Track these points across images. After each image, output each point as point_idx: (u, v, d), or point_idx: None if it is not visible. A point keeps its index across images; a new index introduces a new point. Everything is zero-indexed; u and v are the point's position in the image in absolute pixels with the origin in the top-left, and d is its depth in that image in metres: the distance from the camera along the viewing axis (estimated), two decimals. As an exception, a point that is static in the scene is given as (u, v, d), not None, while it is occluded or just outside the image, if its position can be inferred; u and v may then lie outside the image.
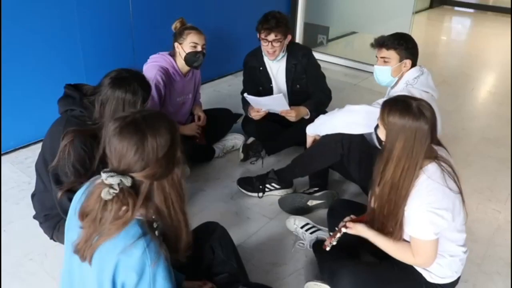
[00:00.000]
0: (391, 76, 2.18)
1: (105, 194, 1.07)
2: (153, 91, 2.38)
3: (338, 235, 1.66)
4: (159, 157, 1.11)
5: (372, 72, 4.54)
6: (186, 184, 2.62)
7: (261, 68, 2.85)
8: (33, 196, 2.03)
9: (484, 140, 3.21)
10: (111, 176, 1.07)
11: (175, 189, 1.17)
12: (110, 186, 1.07)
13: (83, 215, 1.13)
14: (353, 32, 5.30)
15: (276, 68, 2.83)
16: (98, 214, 1.09)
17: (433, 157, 1.52)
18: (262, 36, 2.65)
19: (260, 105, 2.70)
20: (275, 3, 4.29)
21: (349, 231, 1.65)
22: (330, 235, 1.65)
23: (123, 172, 1.10)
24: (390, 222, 1.56)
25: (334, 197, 2.40)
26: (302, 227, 2.16)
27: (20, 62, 2.65)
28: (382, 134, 1.56)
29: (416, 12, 4.44)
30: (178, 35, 2.47)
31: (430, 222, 1.46)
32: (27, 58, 2.67)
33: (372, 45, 2.23)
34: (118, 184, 1.07)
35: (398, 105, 1.49)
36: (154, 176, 1.12)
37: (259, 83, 2.90)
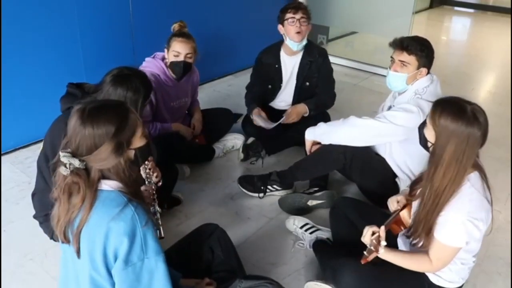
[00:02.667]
0: (405, 83, 2.08)
1: (62, 170, 1.17)
2: None
3: (381, 250, 1.52)
4: (98, 145, 1.17)
5: (372, 72, 4.59)
6: (186, 184, 2.64)
7: (276, 66, 2.84)
8: (33, 195, 2.03)
9: (484, 140, 3.21)
10: (64, 156, 1.17)
11: (120, 175, 1.23)
12: (64, 164, 1.16)
13: (58, 188, 1.21)
14: (353, 32, 5.30)
15: (292, 65, 2.82)
16: (62, 189, 1.19)
17: (476, 165, 1.48)
18: (290, 15, 2.66)
19: (265, 125, 2.76)
20: (275, 3, 4.29)
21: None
22: (371, 249, 1.52)
23: (73, 154, 1.18)
24: (424, 229, 1.51)
25: (334, 197, 2.40)
26: (301, 227, 2.15)
27: (20, 62, 2.65)
28: (430, 135, 1.50)
29: (416, 12, 4.44)
30: (168, 41, 2.44)
31: (465, 231, 1.42)
32: (27, 58, 2.67)
33: (391, 45, 2.10)
34: (69, 165, 1.16)
35: (452, 108, 1.43)
36: (97, 162, 1.19)
37: (270, 81, 2.90)
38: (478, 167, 1.49)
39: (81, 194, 1.18)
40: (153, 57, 2.52)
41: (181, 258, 1.64)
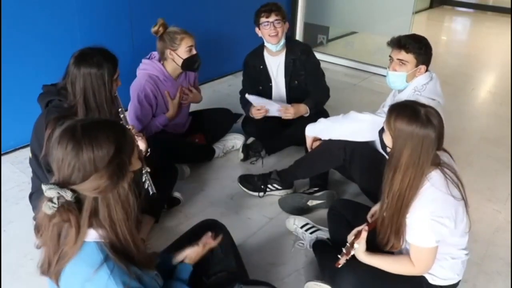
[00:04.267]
0: (406, 81, 2.09)
1: (46, 208, 0.99)
2: (144, 101, 2.42)
3: (352, 252, 1.59)
4: (98, 169, 1.02)
5: (372, 72, 4.59)
6: (186, 184, 2.64)
7: (261, 67, 2.85)
8: (30, 195, 2.03)
9: (484, 140, 3.21)
10: (50, 189, 0.99)
11: (120, 205, 1.08)
12: (50, 199, 0.99)
13: (37, 230, 1.06)
14: (353, 32, 5.30)
15: (276, 65, 2.83)
16: (48, 232, 1.03)
17: (437, 163, 1.50)
18: (263, 19, 2.65)
19: (261, 103, 2.72)
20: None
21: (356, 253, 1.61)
22: (343, 252, 1.59)
23: (62, 185, 1.01)
24: (392, 231, 1.54)
25: (334, 197, 2.40)
26: (301, 227, 2.15)
27: (20, 62, 2.65)
28: (387, 139, 1.53)
29: (416, 12, 4.44)
30: (169, 42, 2.41)
31: (432, 230, 1.45)
32: (27, 58, 2.67)
33: (389, 44, 2.11)
34: (58, 198, 0.99)
35: (406, 111, 1.45)
36: (95, 189, 1.02)
37: (259, 82, 2.90)
38: (439, 165, 1.50)
39: (74, 231, 1.01)
40: (149, 58, 2.51)
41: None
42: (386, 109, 2.07)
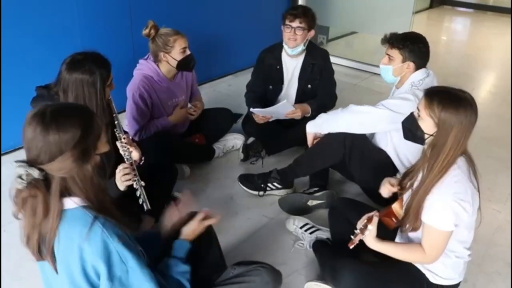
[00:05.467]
0: (393, 75, 2.16)
1: (17, 183, 1.08)
2: (139, 101, 2.41)
3: (366, 232, 1.56)
4: (64, 151, 1.08)
5: (372, 72, 4.60)
6: (186, 184, 2.64)
7: (278, 67, 2.84)
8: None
9: (484, 140, 3.21)
10: (20, 166, 1.08)
11: (87, 183, 1.16)
12: (20, 176, 1.08)
13: (14, 202, 1.13)
14: (353, 32, 5.30)
15: (293, 67, 2.82)
16: (21, 204, 1.11)
17: (465, 150, 1.52)
18: (287, 21, 2.64)
19: (267, 113, 2.71)
20: (275, 3, 4.30)
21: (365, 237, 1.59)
22: (356, 232, 1.58)
23: (31, 163, 1.09)
24: (413, 212, 1.53)
25: (334, 197, 2.40)
26: (301, 227, 2.16)
27: (20, 63, 2.65)
28: (427, 125, 1.52)
29: (416, 12, 4.44)
30: (162, 45, 2.39)
31: (453, 212, 1.45)
32: (27, 59, 2.67)
33: (382, 41, 2.19)
34: (26, 176, 1.07)
35: (451, 98, 1.47)
36: (61, 170, 1.10)
37: (270, 82, 2.89)
38: (466, 151, 1.53)
39: (42, 207, 1.10)
40: (146, 59, 2.51)
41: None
42: (385, 102, 2.11)
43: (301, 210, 2.34)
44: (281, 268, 1.99)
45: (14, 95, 2.66)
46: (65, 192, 1.13)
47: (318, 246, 2.02)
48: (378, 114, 2.10)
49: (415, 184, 1.60)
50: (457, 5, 8.67)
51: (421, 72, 2.13)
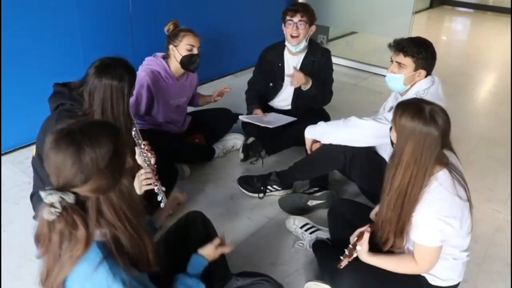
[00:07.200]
0: (404, 84, 2.07)
1: (47, 215, 0.98)
2: (141, 91, 2.40)
3: (355, 254, 1.60)
4: (100, 168, 1.02)
5: (372, 72, 4.59)
6: (186, 184, 2.63)
7: (279, 65, 2.85)
8: (32, 196, 2.03)
9: (484, 140, 3.21)
10: (50, 194, 0.98)
11: (125, 201, 1.10)
12: (51, 205, 0.98)
13: (37, 240, 1.04)
14: (353, 32, 5.30)
15: (294, 64, 2.82)
16: (50, 240, 1.01)
17: (445, 163, 1.49)
18: (288, 17, 2.66)
19: (255, 121, 2.71)
20: (275, 3, 4.30)
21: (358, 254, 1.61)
22: (345, 254, 1.60)
23: (63, 188, 1.01)
24: (394, 230, 1.54)
25: (334, 197, 2.40)
26: (301, 227, 2.16)
27: (20, 62, 2.64)
28: (393, 136, 1.54)
29: (416, 12, 4.44)
30: (173, 37, 2.44)
31: (437, 230, 1.45)
32: (27, 58, 2.67)
33: (390, 46, 2.09)
34: (60, 202, 0.98)
35: (411, 108, 1.45)
36: (98, 189, 1.04)
37: (271, 79, 2.90)
38: (447, 165, 1.50)
39: (83, 233, 1.00)
40: (154, 56, 2.53)
41: (169, 251, 1.60)
42: (387, 111, 2.09)
43: (301, 210, 2.34)
44: (281, 268, 2.00)
45: (14, 95, 2.67)
46: (99, 216, 1.06)
47: (318, 246, 2.02)
48: (379, 129, 2.04)
49: (387, 194, 1.54)
50: (457, 5, 8.68)
51: (426, 81, 2.06)
